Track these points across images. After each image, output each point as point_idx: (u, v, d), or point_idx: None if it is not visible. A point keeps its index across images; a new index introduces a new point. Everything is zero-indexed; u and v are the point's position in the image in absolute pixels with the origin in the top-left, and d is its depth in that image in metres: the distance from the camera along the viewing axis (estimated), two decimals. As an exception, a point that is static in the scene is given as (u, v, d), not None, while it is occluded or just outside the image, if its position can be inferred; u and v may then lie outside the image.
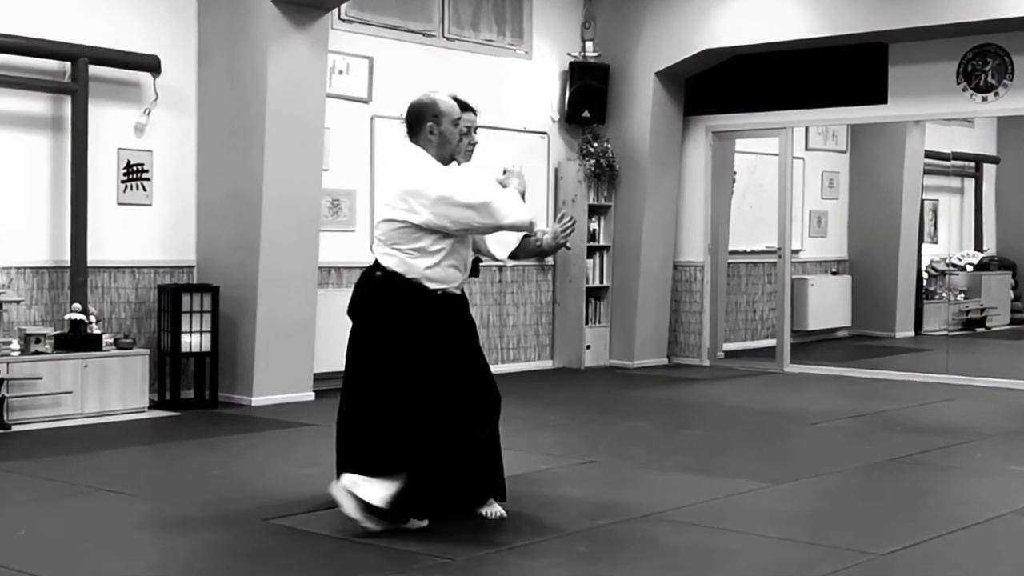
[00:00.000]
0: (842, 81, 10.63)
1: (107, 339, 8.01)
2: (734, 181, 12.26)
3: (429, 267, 4.81)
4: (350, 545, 4.72)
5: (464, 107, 5.09)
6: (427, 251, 4.81)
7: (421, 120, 4.90)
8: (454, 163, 5.03)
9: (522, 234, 5.13)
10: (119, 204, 8.43)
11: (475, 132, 5.11)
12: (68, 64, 8.07)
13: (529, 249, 5.23)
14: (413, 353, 4.82)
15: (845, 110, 10.74)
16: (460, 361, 4.95)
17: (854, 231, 13.90)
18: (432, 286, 4.84)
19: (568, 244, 5.12)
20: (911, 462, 6.64)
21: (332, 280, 9.35)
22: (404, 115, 5.06)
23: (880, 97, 10.42)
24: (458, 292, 4.98)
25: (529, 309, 10.94)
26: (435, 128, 4.87)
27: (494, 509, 5.08)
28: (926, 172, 13.43)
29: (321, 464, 6.13)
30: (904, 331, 13.55)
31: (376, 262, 4.89)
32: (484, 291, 10.58)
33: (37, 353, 7.63)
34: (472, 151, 5.15)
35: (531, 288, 10.92)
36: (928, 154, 13.24)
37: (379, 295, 4.85)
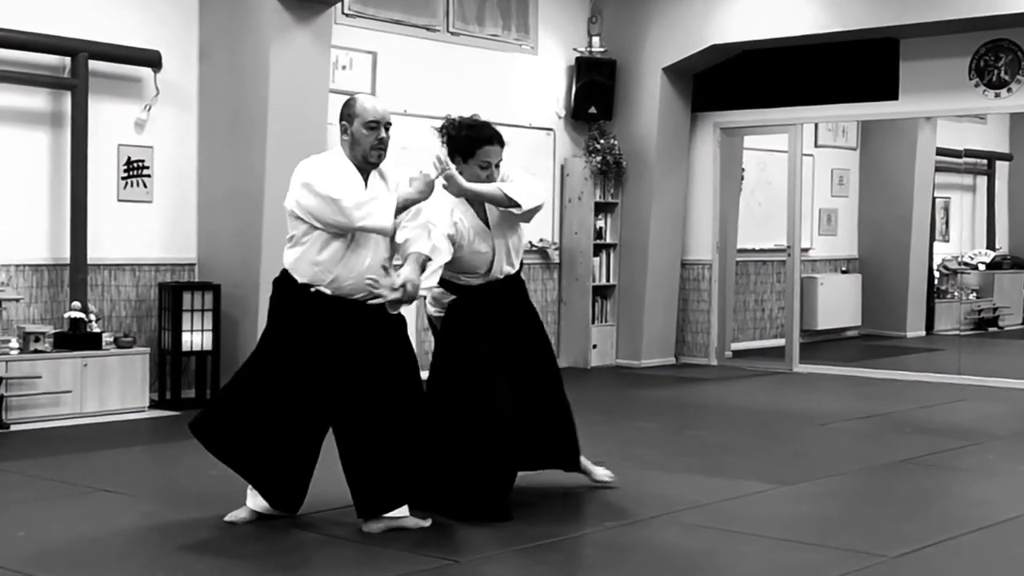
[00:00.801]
0: (852, 77, 10.61)
1: (107, 338, 8.02)
2: (743, 178, 12.25)
3: (296, 258, 4.86)
4: (352, 546, 4.72)
5: (489, 140, 5.06)
6: (298, 241, 4.87)
7: (341, 118, 4.92)
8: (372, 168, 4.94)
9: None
10: (119, 201, 8.44)
11: (496, 167, 5.11)
12: (68, 59, 8.07)
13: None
14: (269, 345, 4.92)
15: (855, 106, 10.72)
16: (331, 365, 4.85)
17: (864, 229, 13.89)
18: (300, 279, 4.84)
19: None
20: (922, 463, 6.63)
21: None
22: None
23: (891, 93, 10.40)
24: (329, 292, 4.81)
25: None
26: (348, 128, 4.87)
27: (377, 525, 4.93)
28: (938, 169, 13.43)
29: (324, 466, 6.13)
30: (915, 331, 13.54)
31: None
32: (489, 289, 10.57)
33: (36, 352, 7.63)
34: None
35: (536, 287, 10.92)
36: (940, 151, 13.24)
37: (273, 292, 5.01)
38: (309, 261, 4.85)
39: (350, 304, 4.85)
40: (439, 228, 4.97)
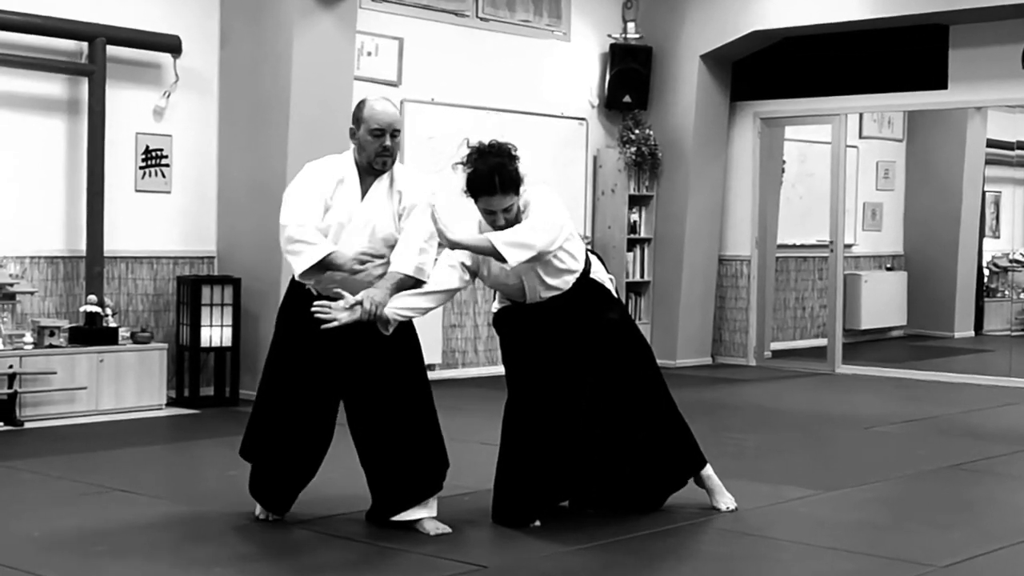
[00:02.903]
0: (899, 65, 10.55)
1: (123, 333, 8.05)
2: (783, 171, 12.20)
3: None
4: (377, 550, 4.72)
5: (487, 190, 4.85)
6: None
7: (352, 120, 4.96)
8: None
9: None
10: (137, 191, 8.47)
11: (502, 214, 4.88)
12: (85, 44, 8.11)
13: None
14: (280, 347, 5.02)
15: (902, 96, 10.67)
16: (326, 366, 4.92)
17: (911, 224, 13.81)
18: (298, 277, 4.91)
19: (360, 269, 4.76)
20: (971, 469, 6.59)
21: (359, 272, 9.35)
22: None
23: (940, 82, 10.34)
24: (315, 293, 4.86)
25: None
26: (355, 132, 4.91)
27: None
28: (988, 162, 13.32)
29: (345, 466, 6.14)
30: (963, 331, 13.46)
31: None
32: (518, 285, 10.57)
33: (51, 347, 7.68)
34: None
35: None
36: (990, 143, 13.13)
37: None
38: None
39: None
40: (454, 254, 4.94)
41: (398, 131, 4.90)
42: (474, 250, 4.88)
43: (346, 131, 7.43)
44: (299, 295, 4.93)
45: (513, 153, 4.93)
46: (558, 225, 4.87)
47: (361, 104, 4.97)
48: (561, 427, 5.07)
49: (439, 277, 4.88)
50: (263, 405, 5.08)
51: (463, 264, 4.95)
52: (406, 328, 4.95)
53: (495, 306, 5.30)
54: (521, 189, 4.90)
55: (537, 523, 5.07)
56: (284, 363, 5.00)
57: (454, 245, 4.78)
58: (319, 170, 4.94)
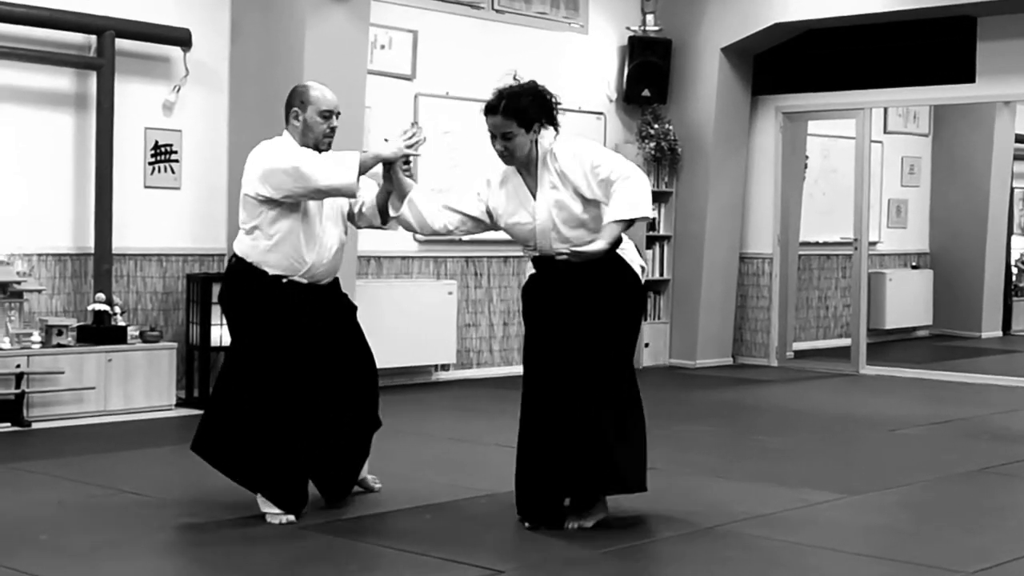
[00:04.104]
0: (925, 58, 10.52)
1: (132, 331, 8.07)
2: (806, 166, 12.19)
3: (265, 249, 5.11)
4: (390, 554, 4.73)
5: (487, 109, 5.07)
6: (265, 232, 5.11)
7: (290, 104, 5.23)
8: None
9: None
10: (146, 187, 8.49)
11: (502, 139, 4.99)
12: (94, 37, 8.13)
13: (383, 199, 5.31)
14: (254, 345, 5.14)
15: (928, 89, 10.63)
16: (309, 357, 5.17)
17: (937, 221, 13.79)
18: (272, 271, 5.12)
19: (415, 153, 5.20)
20: (999, 473, 6.57)
21: (371, 270, 9.37)
22: None
23: (967, 75, 10.30)
24: (305, 282, 5.17)
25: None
26: (300, 114, 5.19)
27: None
28: (1016, 157, 13.31)
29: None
30: (991, 331, 13.44)
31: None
32: (534, 283, 10.56)
33: (59, 346, 7.70)
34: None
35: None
36: (1019, 138, 13.13)
37: (226, 282, 5.32)
38: (283, 252, 5.12)
39: (316, 289, 5.23)
40: (476, 188, 5.17)
41: (339, 113, 5.27)
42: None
43: (357, 126, 7.48)
44: (266, 284, 5.12)
45: (539, 91, 5.04)
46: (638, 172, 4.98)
47: (304, 88, 5.26)
48: (561, 414, 5.02)
49: (463, 201, 5.13)
50: (239, 400, 5.14)
51: (478, 194, 5.13)
52: (353, 315, 5.48)
53: (527, 273, 5.27)
54: (533, 127, 4.96)
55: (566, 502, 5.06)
56: (265, 353, 5.14)
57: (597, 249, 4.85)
58: (281, 144, 5.19)
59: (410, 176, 5.20)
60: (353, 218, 5.46)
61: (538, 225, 5.01)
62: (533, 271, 5.15)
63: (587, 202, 4.98)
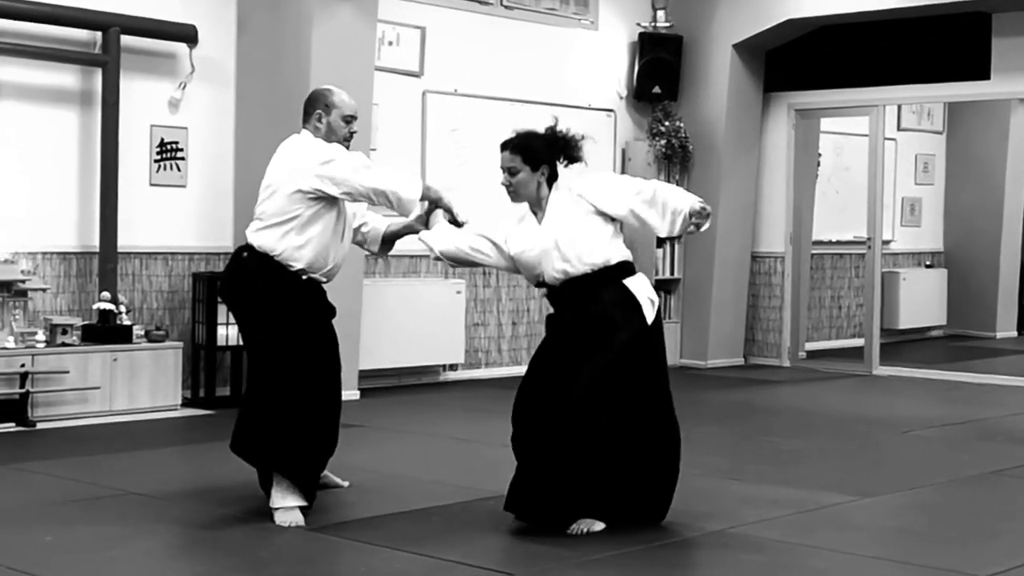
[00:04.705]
0: (939, 55, 10.50)
1: (138, 331, 8.09)
2: (819, 164, 12.17)
3: (297, 245, 5.24)
4: (400, 556, 4.73)
5: (502, 145, 5.27)
6: (300, 228, 5.24)
7: (313, 105, 5.40)
8: None
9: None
10: (151, 185, 8.51)
11: (508, 173, 5.22)
12: (99, 34, 8.15)
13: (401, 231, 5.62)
14: (287, 338, 5.27)
15: (942, 86, 10.62)
16: (324, 351, 5.40)
17: (951, 220, 13.77)
18: (295, 266, 5.28)
19: (462, 219, 5.43)
20: (1015, 475, 6.56)
21: (379, 270, 9.37)
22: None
23: (982, 72, 10.28)
24: (323, 280, 5.41)
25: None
26: (323, 116, 5.37)
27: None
28: (1032, 155, 13.27)
29: (368, 470, 6.16)
30: (1006, 331, 13.41)
31: (245, 243, 5.37)
32: (544, 283, 10.56)
33: (64, 345, 7.71)
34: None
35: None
36: (1035, 135, 13.08)
37: (247, 276, 5.34)
38: (312, 250, 5.27)
39: (322, 288, 5.44)
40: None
41: (357, 118, 5.51)
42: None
43: (364, 123, 7.54)
44: (291, 279, 5.27)
45: (555, 135, 5.22)
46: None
47: (327, 92, 5.43)
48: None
49: (488, 230, 5.35)
50: (293, 398, 5.24)
51: (501, 227, 5.35)
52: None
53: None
54: (540, 168, 5.15)
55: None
56: (301, 347, 5.28)
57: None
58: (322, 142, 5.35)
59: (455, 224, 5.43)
60: (353, 233, 5.65)
61: (540, 245, 5.14)
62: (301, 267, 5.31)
63: (598, 221, 5.13)
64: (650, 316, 5.14)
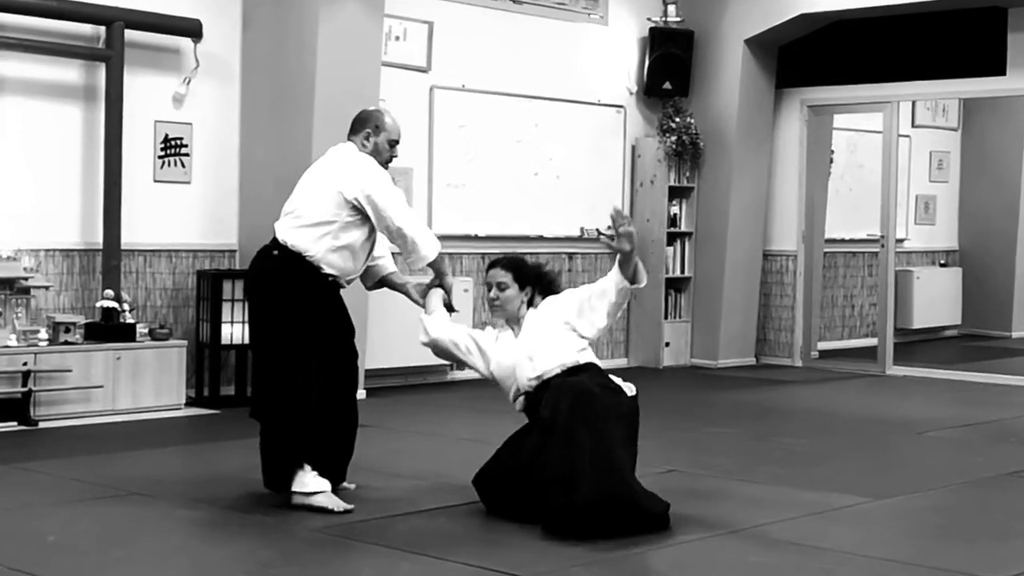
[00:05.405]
0: (954, 50, 10.49)
1: (141, 329, 8.10)
2: (832, 161, 12.16)
3: (331, 248, 5.44)
4: (406, 558, 4.73)
5: (495, 261, 5.67)
6: (337, 233, 5.44)
7: (364, 123, 5.65)
8: None
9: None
10: (155, 181, 8.52)
11: (497, 288, 5.55)
12: (102, 28, 8.16)
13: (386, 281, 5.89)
14: (316, 335, 5.49)
15: (957, 82, 10.60)
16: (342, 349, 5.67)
17: (966, 218, 13.75)
18: (326, 269, 5.48)
19: (455, 309, 5.72)
20: (1031, 477, 6.56)
21: (386, 267, 9.37)
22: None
23: (998, 68, 10.27)
24: (345, 285, 5.64)
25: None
26: (372, 136, 5.61)
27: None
28: (1049, 152, 13.25)
29: (374, 470, 6.16)
30: (1022, 330, 13.39)
31: (275, 240, 5.53)
32: (552, 281, 10.55)
33: (66, 343, 7.73)
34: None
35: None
36: (1052, 132, 13.06)
37: (279, 273, 5.49)
38: (343, 256, 5.49)
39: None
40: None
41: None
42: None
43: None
44: (317, 277, 5.46)
45: (542, 269, 5.74)
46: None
47: (379, 113, 5.68)
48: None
49: (478, 332, 5.65)
50: (309, 386, 5.44)
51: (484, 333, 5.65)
52: None
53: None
54: (526, 289, 5.56)
55: None
56: (316, 338, 5.49)
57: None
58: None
59: (449, 308, 5.68)
60: None
61: (514, 357, 5.43)
62: (333, 272, 5.54)
63: (571, 334, 5.44)
64: (630, 391, 5.42)
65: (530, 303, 5.55)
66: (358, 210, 5.42)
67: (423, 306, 5.66)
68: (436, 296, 5.63)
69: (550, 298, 5.57)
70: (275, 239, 5.53)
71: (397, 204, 5.42)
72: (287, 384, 5.41)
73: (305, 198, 5.52)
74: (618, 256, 5.34)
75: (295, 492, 5.38)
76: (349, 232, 5.45)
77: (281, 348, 5.44)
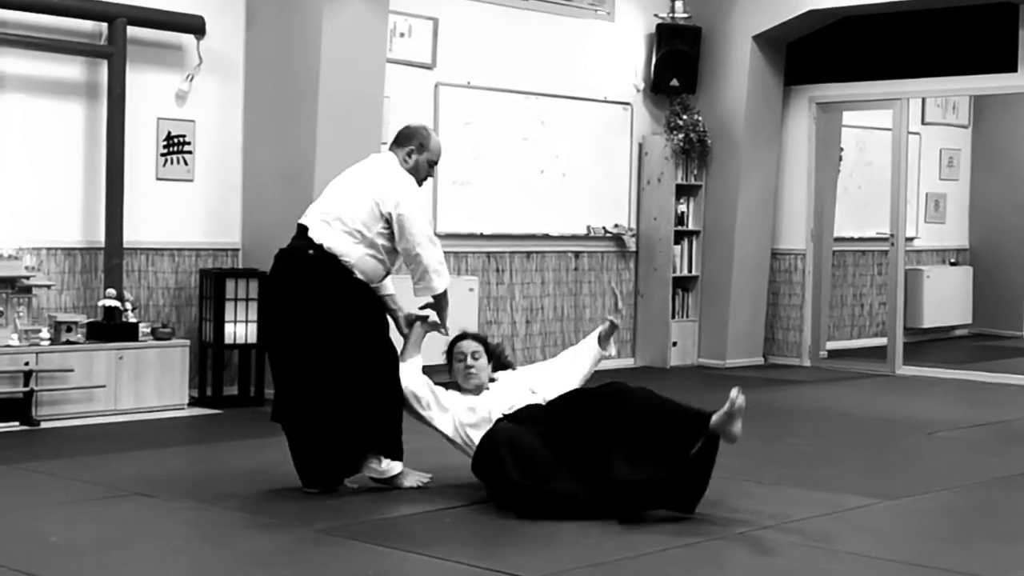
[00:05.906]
0: (965, 46, 10.47)
1: (144, 328, 8.10)
2: (841, 159, 12.14)
3: (364, 255, 5.63)
4: (410, 559, 4.74)
5: (467, 335, 6.05)
6: (374, 240, 5.63)
7: (410, 139, 5.81)
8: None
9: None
10: (158, 179, 8.52)
11: (472, 356, 5.91)
12: (104, 25, 8.17)
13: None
14: (368, 335, 5.74)
15: (968, 79, 10.59)
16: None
17: (976, 216, 13.73)
18: (358, 275, 5.65)
19: (440, 330, 6.01)
20: (1042, 478, 6.55)
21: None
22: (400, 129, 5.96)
23: (1009, 64, 10.26)
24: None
25: (608, 301, 10.90)
26: (414, 154, 5.78)
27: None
28: (1060, 150, 13.23)
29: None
30: (1033, 330, 13.36)
31: (310, 241, 5.63)
32: (558, 279, 10.57)
33: (68, 343, 7.73)
34: None
35: (610, 277, 10.90)
36: (1063, 129, 13.04)
37: (333, 274, 5.63)
38: (373, 265, 5.67)
39: None
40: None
41: None
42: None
43: (376, 117, 7.71)
44: (344, 274, 5.63)
45: (499, 350, 6.18)
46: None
47: (426, 132, 5.85)
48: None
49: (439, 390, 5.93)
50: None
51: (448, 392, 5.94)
52: None
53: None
54: (491, 361, 6.01)
55: None
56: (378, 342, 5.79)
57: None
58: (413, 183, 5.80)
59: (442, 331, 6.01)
60: None
61: (480, 413, 5.72)
62: (362, 277, 5.75)
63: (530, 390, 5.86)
64: None
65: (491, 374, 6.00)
66: (389, 223, 5.59)
67: (404, 337, 5.93)
68: (415, 340, 5.92)
69: (508, 371, 6.07)
70: (308, 239, 5.62)
71: (425, 231, 5.60)
72: (361, 377, 5.63)
73: (344, 203, 5.64)
74: (602, 330, 6.22)
75: (379, 480, 5.72)
76: (384, 240, 5.62)
77: (341, 344, 5.60)
